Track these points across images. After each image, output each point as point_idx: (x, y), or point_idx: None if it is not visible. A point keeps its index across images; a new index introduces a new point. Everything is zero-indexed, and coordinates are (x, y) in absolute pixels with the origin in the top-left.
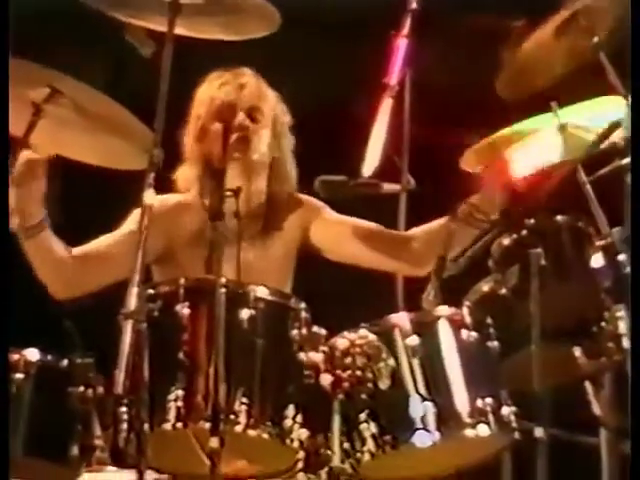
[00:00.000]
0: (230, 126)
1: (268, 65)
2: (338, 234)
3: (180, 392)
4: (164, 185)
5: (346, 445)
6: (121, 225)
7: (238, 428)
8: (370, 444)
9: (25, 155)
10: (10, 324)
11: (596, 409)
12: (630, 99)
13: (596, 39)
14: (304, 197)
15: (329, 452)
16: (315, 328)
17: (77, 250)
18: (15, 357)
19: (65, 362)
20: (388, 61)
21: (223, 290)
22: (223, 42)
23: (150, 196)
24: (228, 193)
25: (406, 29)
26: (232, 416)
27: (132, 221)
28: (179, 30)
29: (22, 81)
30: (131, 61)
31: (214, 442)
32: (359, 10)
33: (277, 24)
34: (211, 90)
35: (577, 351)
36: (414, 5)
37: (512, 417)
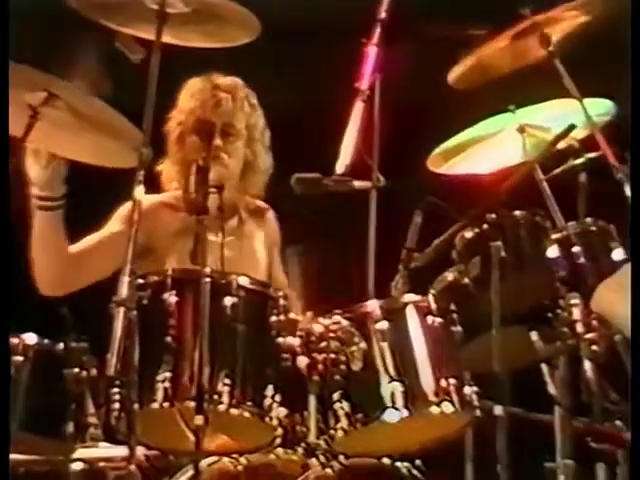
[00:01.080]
0: (207, 136)
1: (249, 71)
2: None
3: (167, 374)
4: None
5: (321, 422)
6: (105, 225)
7: (221, 407)
8: (343, 421)
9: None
10: (10, 310)
11: (551, 389)
12: (630, 99)
13: (551, 47)
14: (270, 214)
15: (305, 429)
16: (292, 314)
17: (72, 248)
18: (14, 341)
19: (61, 346)
20: (360, 67)
21: (208, 280)
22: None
23: (140, 192)
24: (212, 189)
25: (376, 38)
26: (215, 396)
27: (114, 222)
28: (166, 38)
29: (20, 85)
30: (121, 66)
31: (199, 420)
32: (333, 19)
33: (257, 32)
34: (191, 102)
35: (534, 335)
36: (383, 15)
37: (474, 396)
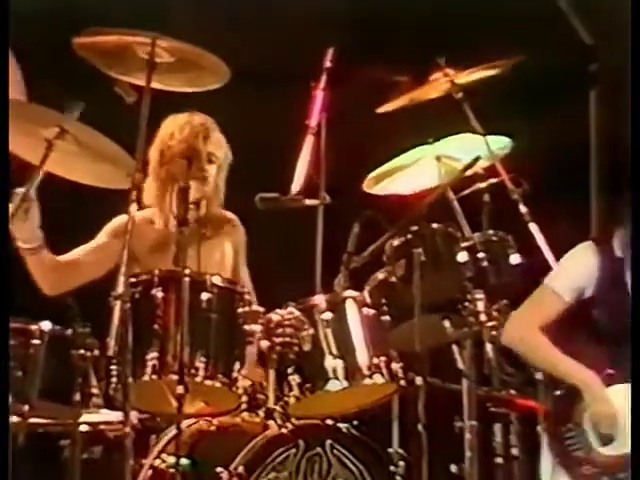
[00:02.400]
0: (195, 161)
1: (220, 110)
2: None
3: (155, 353)
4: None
5: (278, 391)
6: (95, 236)
7: (198, 379)
8: (295, 390)
9: (20, 191)
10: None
11: (460, 364)
12: (630, 98)
13: (460, 95)
14: (235, 218)
15: (265, 397)
16: (255, 306)
17: (62, 258)
18: (33, 327)
19: (69, 331)
20: (309, 108)
21: (187, 279)
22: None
23: (134, 208)
24: (192, 206)
25: (322, 83)
26: (193, 370)
27: (103, 235)
28: (154, 84)
29: (37, 122)
30: (118, 106)
31: (180, 389)
32: (288, 67)
33: (227, 77)
34: (181, 133)
35: (446, 323)
36: (328, 64)
37: (399, 370)
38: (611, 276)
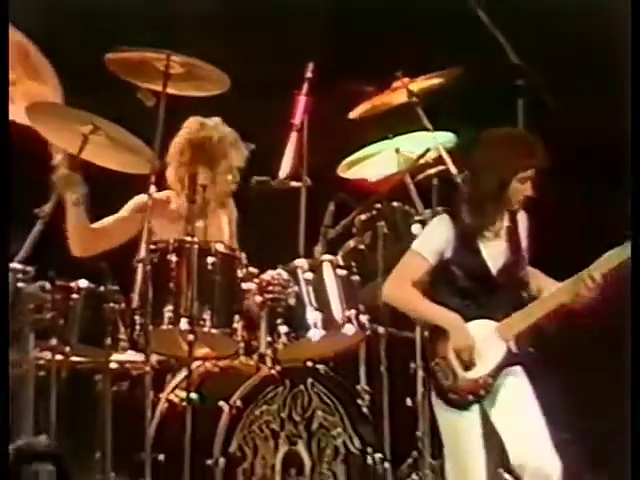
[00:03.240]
0: (210, 154)
1: (221, 111)
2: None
3: (170, 307)
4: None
5: (269, 339)
6: (121, 209)
7: (205, 329)
8: (283, 338)
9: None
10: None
11: None
12: (630, 98)
13: (415, 99)
14: (230, 201)
15: (258, 344)
16: (251, 269)
17: (94, 225)
18: (72, 285)
19: (102, 288)
20: (294, 109)
21: (196, 246)
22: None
23: (152, 189)
24: (199, 188)
25: (304, 90)
26: (201, 321)
27: (127, 209)
28: (169, 90)
29: (76, 120)
30: (140, 108)
31: (190, 337)
32: (276, 76)
33: (227, 85)
34: (200, 132)
35: None
36: (309, 75)
37: (366, 321)
38: (463, 240)
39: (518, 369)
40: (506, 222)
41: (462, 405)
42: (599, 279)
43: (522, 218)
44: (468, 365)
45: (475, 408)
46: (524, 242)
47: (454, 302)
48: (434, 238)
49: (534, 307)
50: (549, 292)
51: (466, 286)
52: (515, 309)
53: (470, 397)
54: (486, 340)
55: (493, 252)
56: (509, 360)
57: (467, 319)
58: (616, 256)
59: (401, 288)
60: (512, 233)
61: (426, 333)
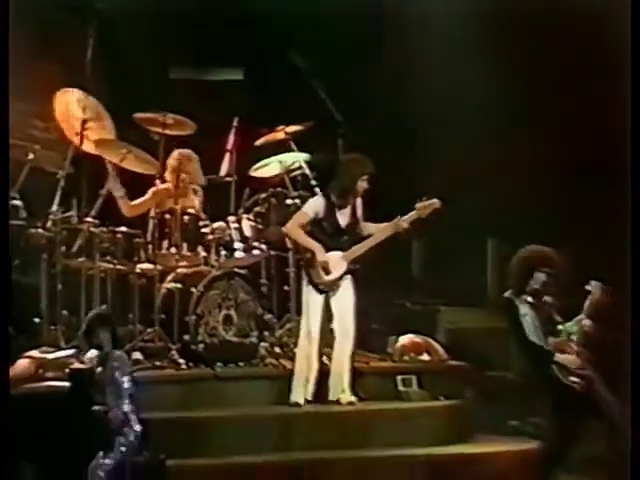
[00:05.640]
0: (183, 166)
1: (193, 144)
2: None
3: (166, 242)
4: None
5: (215, 257)
6: (144, 194)
7: (183, 252)
8: (222, 257)
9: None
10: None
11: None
12: (630, 97)
13: (288, 135)
14: (197, 186)
15: (210, 259)
16: (207, 222)
17: (132, 202)
18: (118, 229)
19: (132, 230)
20: (228, 141)
21: (179, 210)
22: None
23: (158, 183)
24: (181, 182)
25: (233, 131)
26: (181, 249)
27: (147, 195)
28: (166, 131)
29: (119, 147)
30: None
31: (176, 257)
32: (218, 124)
33: (194, 129)
34: (179, 158)
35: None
36: (236, 124)
37: (265, 249)
38: (329, 209)
39: (349, 277)
40: (352, 201)
41: (321, 291)
42: (406, 225)
43: (359, 201)
44: (326, 272)
45: (324, 295)
46: (359, 212)
47: (322, 239)
48: (313, 205)
49: (364, 244)
50: (375, 233)
51: (328, 232)
52: (354, 244)
53: (326, 288)
54: (336, 261)
55: (344, 216)
56: (346, 272)
57: (328, 250)
58: (424, 208)
59: (294, 228)
60: (354, 207)
61: (298, 255)
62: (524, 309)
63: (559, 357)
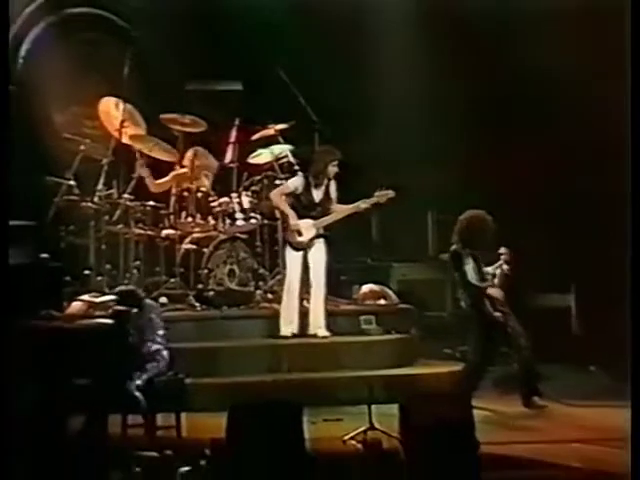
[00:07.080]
0: (196, 158)
1: (203, 141)
2: None
3: (184, 212)
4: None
5: (222, 225)
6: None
7: (197, 220)
8: (227, 224)
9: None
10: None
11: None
12: (630, 97)
13: (278, 132)
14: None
15: (218, 226)
16: (215, 197)
17: (157, 181)
18: (146, 203)
19: (158, 204)
20: (231, 136)
21: (194, 188)
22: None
23: (177, 168)
24: (196, 168)
25: (235, 128)
26: (196, 218)
27: (168, 177)
28: (185, 129)
29: (149, 141)
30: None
31: (192, 224)
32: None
33: (205, 127)
34: (192, 155)
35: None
36: (237, 123)
37: (260, 219)
38: (307, 187)
39: (322, 240)
40: (325, 182)
41: (297, 249)
42: (367, 205)
43: (333, 184)
44: (299, 234)
45: (302, 252)
46: (333, 193)
47: (298, 209)
48: (295, 182)
49: (332, 216)
50: (341, 211)
51: (304, 204)
52: (324, 215)
53: (300, 247)
54: (307, 227)
55: (318, 192)
56: (317, 236)
57: (301, 218)
58: (381, 196)
59: (277, 196)
60: (327, 187)
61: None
62: (467, 259)
63: (489, 291)
